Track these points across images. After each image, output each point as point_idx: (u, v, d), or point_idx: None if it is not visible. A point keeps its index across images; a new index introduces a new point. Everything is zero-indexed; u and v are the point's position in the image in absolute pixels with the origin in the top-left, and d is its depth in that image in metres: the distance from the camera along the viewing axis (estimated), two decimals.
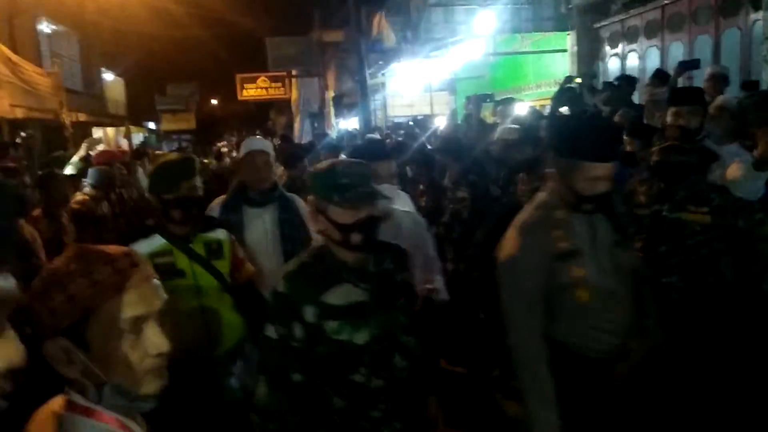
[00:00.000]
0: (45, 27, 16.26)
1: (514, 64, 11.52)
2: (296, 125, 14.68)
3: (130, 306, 1.04)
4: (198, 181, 2.40)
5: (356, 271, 1.75)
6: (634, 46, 8.96)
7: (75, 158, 6.44)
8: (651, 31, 8.53)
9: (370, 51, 12.27)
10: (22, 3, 14.35)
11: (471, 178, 4.15)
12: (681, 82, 5.52)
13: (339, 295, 1.73)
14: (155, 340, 1.05)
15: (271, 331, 1.76)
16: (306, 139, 13.24)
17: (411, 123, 10.30)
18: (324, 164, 1.82)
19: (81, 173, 5.52)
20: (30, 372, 0.87)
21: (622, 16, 9.02)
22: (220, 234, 2.56)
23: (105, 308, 1.02)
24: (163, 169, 2.44)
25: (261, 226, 3.00)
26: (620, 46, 9.27)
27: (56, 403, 1.04)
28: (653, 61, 8.41)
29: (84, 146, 7.09)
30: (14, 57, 13.43)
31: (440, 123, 9.53)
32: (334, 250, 1.76)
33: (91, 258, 1.05)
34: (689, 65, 5.49)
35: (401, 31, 10.65)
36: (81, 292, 1.01)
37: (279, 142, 9.94)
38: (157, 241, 2.38)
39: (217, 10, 19.53)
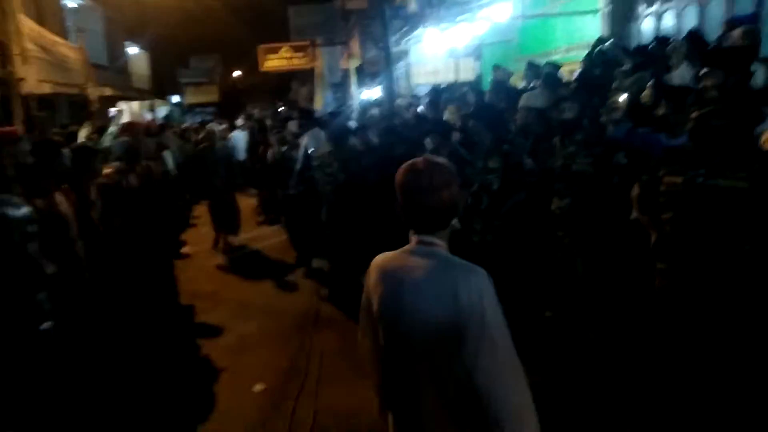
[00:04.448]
0: (69, 1, 16.32)
1: (543, 28, 11.13)
2: (317, 96, 14.54)
3: None
4: None
5: None
6: (670, 3, 8.56)
7: (109, 133, 6.51)
8: None
9: (393, 17, 12.01)
10: None
11: (505, 148, 4.04)
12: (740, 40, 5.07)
13: None
14: None
15: None
16: (328, 110, 13.12)
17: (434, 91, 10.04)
18: None
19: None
20: None
21: None
22: None
23: None
24: None
25: None
26: (656, 4, 8.86)
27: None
28: (691, 21, 8.03)
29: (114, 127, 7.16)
30: (42, 31, 13.53)
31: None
32: None
33: None
34: (742, 20, 5.05)
35: None
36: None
37: (298, 115, 9.77)
38: None
39: None
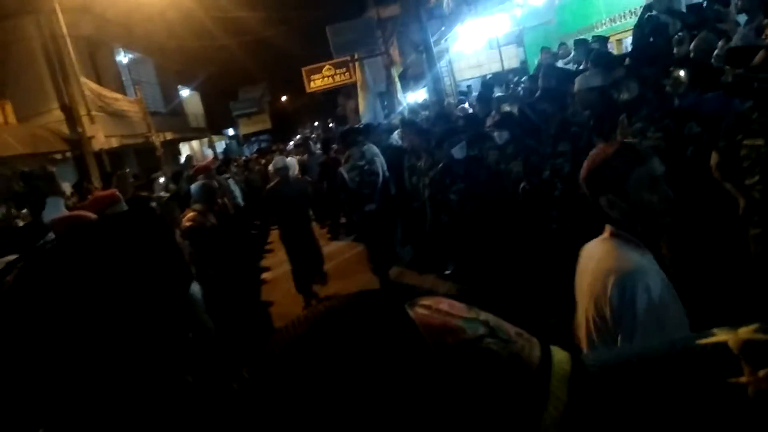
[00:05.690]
0: (123, 57, 17.27)
1: (582, 2, 10.86)
2: (361, 108, 14.75)
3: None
4: None
5: None
6: None
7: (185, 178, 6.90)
8: None
9: (429, 18, 12.02)
10: (100, 37, 15.29)
11: (573, 129, 3.97)
12: None
13: None
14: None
15: None
16: (379, 118, 13.27)
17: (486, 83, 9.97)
18: None
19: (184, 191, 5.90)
20: None
21: None
22: None
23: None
24: None
25: None
26: None
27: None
28: None
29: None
30: (103, 90, 14.44)
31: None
32: None
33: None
34: None
35: None
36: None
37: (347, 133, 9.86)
38: None
39: (269, 11, 19.82)
